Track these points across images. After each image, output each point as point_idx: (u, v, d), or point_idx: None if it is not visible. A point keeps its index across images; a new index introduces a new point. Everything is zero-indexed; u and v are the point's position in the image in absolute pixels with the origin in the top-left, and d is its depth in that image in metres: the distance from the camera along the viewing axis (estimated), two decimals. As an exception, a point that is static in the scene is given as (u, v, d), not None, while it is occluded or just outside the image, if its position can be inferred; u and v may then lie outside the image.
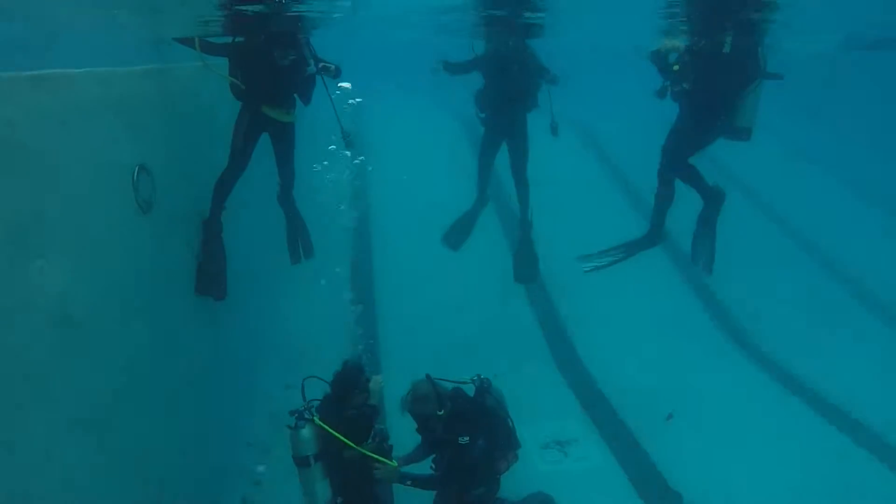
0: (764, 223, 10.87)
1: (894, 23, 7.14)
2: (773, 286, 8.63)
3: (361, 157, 7.82)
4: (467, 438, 3.98)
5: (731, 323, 8.20)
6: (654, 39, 5.46)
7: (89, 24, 4.61)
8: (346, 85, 5.51)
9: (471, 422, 4.12)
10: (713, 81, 4.99)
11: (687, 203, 5.67)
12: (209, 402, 4.88)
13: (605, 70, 14.64)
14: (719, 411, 6.23)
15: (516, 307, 8.06)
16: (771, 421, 6.19)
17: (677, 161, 5.47)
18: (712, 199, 5.52)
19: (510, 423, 4.37)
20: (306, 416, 3.81)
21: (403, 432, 4.28)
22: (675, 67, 5.02)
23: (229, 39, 4.84)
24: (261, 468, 5.33)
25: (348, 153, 6.04)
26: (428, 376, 4.07)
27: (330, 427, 3.73)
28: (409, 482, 4.07)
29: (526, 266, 6.81)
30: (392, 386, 4.50)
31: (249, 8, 4.67)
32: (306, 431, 3.77)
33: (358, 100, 5.35)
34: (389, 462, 3.89)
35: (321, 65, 4.82)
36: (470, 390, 4.32)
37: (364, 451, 3.75)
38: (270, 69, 4.69)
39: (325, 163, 6.95)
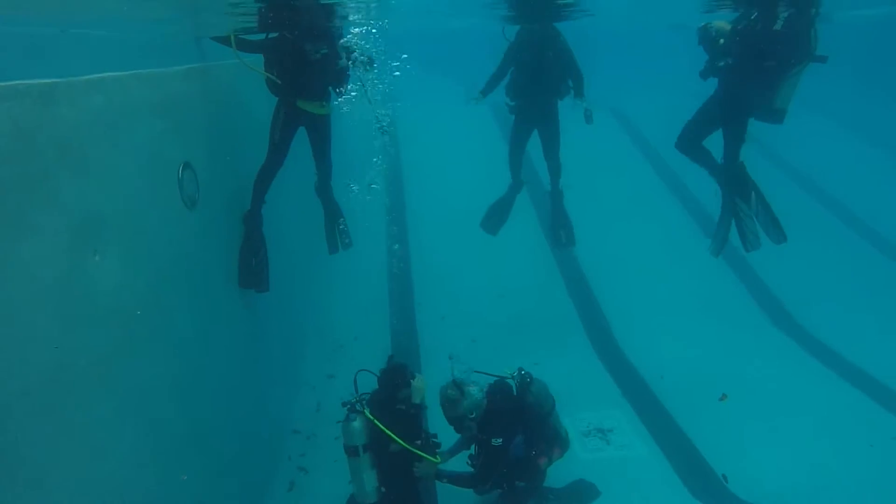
0: (812, 204, 10.50)
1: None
2: (820, 268, 8.36)
3: (374, 185, 7.89)
4: (500, 440, 4.08)
5: (775, 306, 7.98)
6: (694, 17, 5.31)
7: (130, 22, 4.75)
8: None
9: (507, 421, 4.17)
10: (759, 59, 4.78)
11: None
12: (255, 391, 5.01)
13: (638, 51, 14.32)
14: (763, 397, 6.09)
15: (556, 295, 8.01)
16: (818, 406, 6.02)
17: (693, 140, 5.42)
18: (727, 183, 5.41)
19: (552, 422, 4.36)
20: (357, 408, 4.05)
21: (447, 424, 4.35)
22: (721, 41, 4.84)
23: (263, 36, 4.91)
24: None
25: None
26: (454, 380, 4.20)
27: (379, 421, 3.94)
28: (445, 479, 4.22)
29: (562, 232, 6.76)
30: (431, 376, 4.59)
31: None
32: (357, 423, 4.02)
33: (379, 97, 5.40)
34: (432, 458, 4.06)
35: (354, 56, 4.85)
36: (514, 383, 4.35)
37: (407, 446, 3.95)
38: (303, 63, 4.74)
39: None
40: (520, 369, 4.39)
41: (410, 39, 6.38)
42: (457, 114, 12.67)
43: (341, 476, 5.01)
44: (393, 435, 3.93)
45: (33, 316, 2.24)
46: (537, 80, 6.06)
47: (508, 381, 4.36)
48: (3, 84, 2.24)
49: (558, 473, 4.61)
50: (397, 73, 5.61)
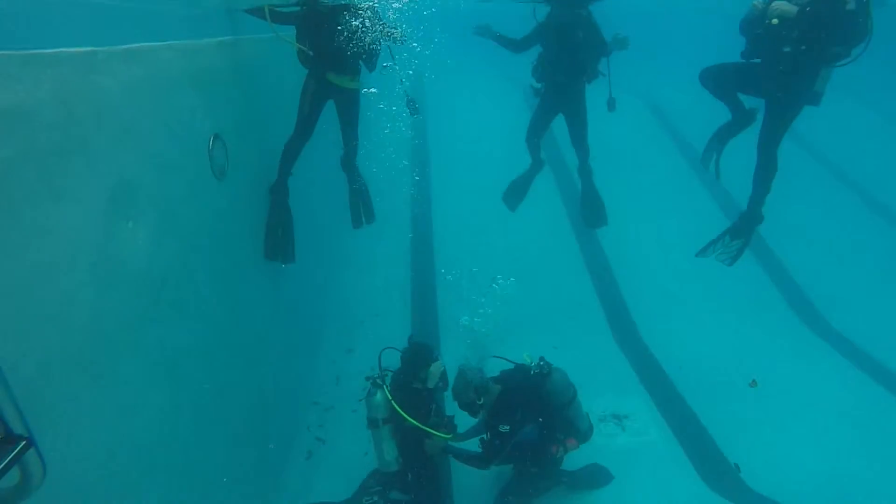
0: (846, 195, 10.22)
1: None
2: (850, 264, 8.18)
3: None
4: (508, 427, 4.15)
5: (801, 301, 7.86)
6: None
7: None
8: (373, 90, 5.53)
9: (518, 409, 4.22)
10: (818, 41, 4.39)
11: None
12: (277, 361, 5.12)
13: (667, 33, 13.99)
14: (782, 390, 6.03)
15: (578, 279, 7.98)
16: (837, 401, 5.95)
17: (719, 82, 5.14)
18: (741, 120, 5.18)
19: (570, 413, 4.38)
20: (378, 382, 4.28)
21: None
22: (774, 21, 4.49)
23: (297, 8, 4.91)
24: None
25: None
26: (461, 368, 4.31)
27: (397, 398, 4.15)
28: (453, 456, 4.37)
29: (594, 211, 6.70)
30: (449, 359, 4.68)
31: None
32: (378, 397, 4.24)
33: (411, 72, 5.36)
34: (442, 435, 4.24)
35: (386, 31, 4.84)
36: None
37: (418, 424, 4.12)
38: (335, 36, 4.75)
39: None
40: (541, 358, 4.40)
41: (441, 17, 6.30)
42: (486, 92, 12.62)
43: (358, 447, 5.17)
44: (403, 413, 4.10)
45: (71, 277, 2.32)
46: (566, 62, 5.94)
47: (529, 367, 4.37)
48: (44, 52, 2.30)
49: (573, 457, 4.64)
50: (427, 51, 5.57)
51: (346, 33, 4.74)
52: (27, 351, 2.06)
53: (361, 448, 5.18)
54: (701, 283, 7.79)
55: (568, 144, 6.43)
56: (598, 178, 6.48)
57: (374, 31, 4.82)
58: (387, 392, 4.21)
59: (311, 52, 4.81)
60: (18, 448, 1.54)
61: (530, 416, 4.28)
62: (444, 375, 4.43)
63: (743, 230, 5.39)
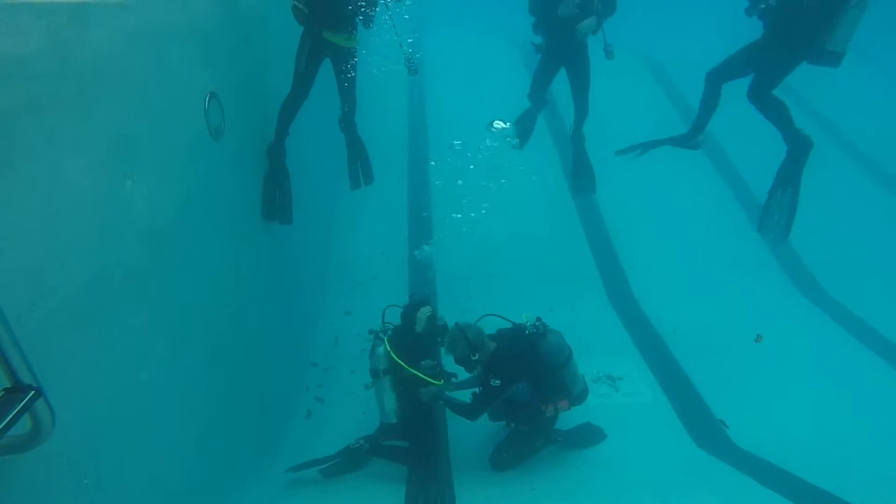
0: (850, 166, 10.17)
1: None
2: (852, 234, 8.20)
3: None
4: (498, 382, 4.23)
5: (798, 268, 7.90)
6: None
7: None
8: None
9: (512, 366, 4.28)
10: None
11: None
12: (276, 320, 5.16)
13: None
14: (776, 355, 6.10)
15: (574, 242, 8.00)
16: (830, 366, 6.04)
17: (722, 77, 5.19)
18: (795, 149, 5.11)
19: (564, 374, 4.43)
20: (381, 336, 4.54)
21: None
22: None
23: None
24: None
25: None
26: (457, 324, 4.40)
27: (396, 349, 4.37)
28: (443, 403, 4.49)
29: (583, 178, 6.68)
30: (448, 315, 4.74)
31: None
32: (381, 349, 4.48)
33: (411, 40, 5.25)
34: (436, 383, 4.42)
35: None
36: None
37: (413, 371, 4.34)
38: None
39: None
40: (537, 319, 4.45)
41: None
42: (483, 51, 12.38)
43: (355, 407, 5.31)
44: (398, 359, 4.34)
45: (74, 228, 2.32)
46: (565, 12, 5.74)
47: (525, 327, 4.42)
48: (39, 1, 2.23)
49: (567, 416, 4.74)
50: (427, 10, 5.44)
51: None
52: (33, 303, 2.07)
53: (358, 407, 5.28)
54: (699, 248, 7.83)
55: (566, 105, 6.34)
56: (596, 140, 6.42)
57: None
58: (386, 344, 4.43)
59: (305, 10, 4.69)
60: (28, 397, 1.57)
61: (523, 374, 4.35)
62: (431, 319, 4.56)
63: (793, 168, 5.22)
